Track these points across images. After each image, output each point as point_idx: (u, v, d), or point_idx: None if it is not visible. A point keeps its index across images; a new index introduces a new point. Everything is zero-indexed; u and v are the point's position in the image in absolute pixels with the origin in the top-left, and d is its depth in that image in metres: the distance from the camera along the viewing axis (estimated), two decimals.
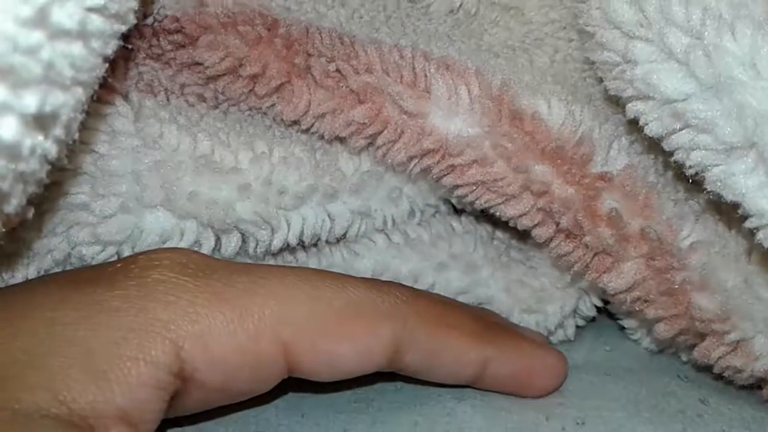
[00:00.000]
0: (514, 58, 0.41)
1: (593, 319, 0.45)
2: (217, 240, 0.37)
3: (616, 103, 0.38)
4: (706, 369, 0.39)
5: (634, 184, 0.36)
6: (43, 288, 0.31)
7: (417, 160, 0.38)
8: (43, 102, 0.24)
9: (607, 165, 0.37)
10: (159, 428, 0.29)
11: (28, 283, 0.34)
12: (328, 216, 0.39)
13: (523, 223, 0.38)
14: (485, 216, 0.43)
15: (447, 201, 0.43)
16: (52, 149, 0.26)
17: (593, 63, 0.38)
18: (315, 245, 0.41)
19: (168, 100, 0.38)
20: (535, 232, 0.38)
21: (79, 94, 0.27)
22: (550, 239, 0.38)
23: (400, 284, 0.37)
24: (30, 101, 0.24)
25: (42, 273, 0.35)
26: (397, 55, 0.37)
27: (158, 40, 0.38)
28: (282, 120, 0.38)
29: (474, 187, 0.38)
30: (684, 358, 0.41)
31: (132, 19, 0.31)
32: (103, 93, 0.34)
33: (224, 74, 0.38)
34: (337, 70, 0.37)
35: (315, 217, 0.39)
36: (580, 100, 0.38)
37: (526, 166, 0.36)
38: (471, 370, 0.36)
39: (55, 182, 0.33)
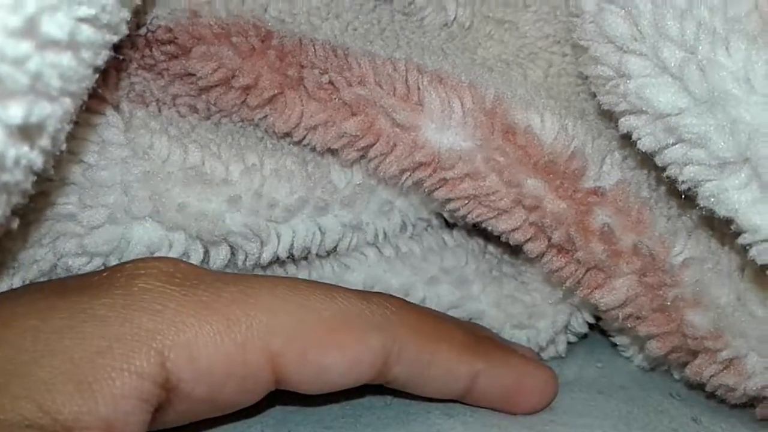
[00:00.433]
0: (508, 72, 0.41)
1: (585, 336, 0.45)
2: (206, 252, 0.37)
3: (609, 117, 0.39)
4: (698, 387, 0.39)
5: (627, 199, 0.37)
6: (28, 296, 0.31)
7: (409, 173, 0.38)
8: (29, 113, 0.24)
9: (600, 180, 0.37)
10: None
11: (13, 292, 0.35)
12: (319, 229, 0.39)
13: (515, 238, 0.38)
14: (477, 230, 0.43)
15: (439, 215, 0.43)
16: (37, 160, 0.26)
17: (587, 78, 0.38)
18: (305, 258, 0.41)
19: (159, 110, 0.38)
20: (527, 247, 0.38)
21: (68, 104, 0.27)
22: (542, 254, 0.38)
23: (391, 295, 0.37)
24: (15, 112, 0.24)
25: (27, 282, 0.36)
26: (390, 67, 0.38)
27: (151, 50, 0.38)
28: (274, 132, 0.39)
29: (466, 201, 0.38)
30: (676, 375, 0.41)
31: (124, 30, 0.31)
32: (94, 103, 0.35)
33: (216, 85, 0.38)
34: (330, 82, 0.38)
35: (305, 230, 0.39)
36: (574, 114, 0.39)
37: (519, 181, 0.36)
38: (460, 384, 0.36)
39: (42, 192, 0.34)
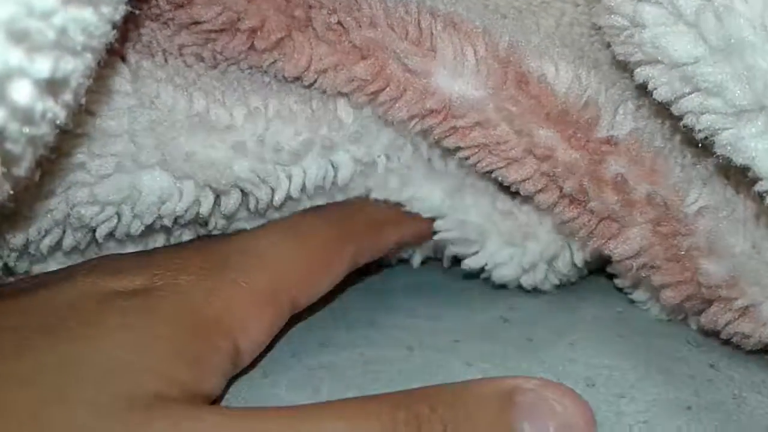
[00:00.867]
0: (521, 20, 0.41)
1: (573, 283, 0.46)
2: (217, 197, 0.38)
3: (623, 67, 0.39)
4: (714, 335, 0.39)
5: (641, 148, 0.37)
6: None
7: (418, 120, 0.38)
8: (56, 67, 0.25)
9: (613, 129, 0.37)
10: None
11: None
12: (332, 165, 0.40)
13: (526, 188, 0.38)
14: None
15: None
16: (61, 114, 0.27)
17: (600, 28, 0.38)
18: None
19: (166, 60, 0.39)
20: (538, 198, 0.39)
21: (89, 60, 0.27)
22: (554, 205, 0.38)
23: None
24: (43, 66, 0.24)
25: (42, 233, 0.37)
26: (402, 9, 0.38)
27: (157, 0, 0.38)
28: (283, 76, 0.39)
29: (476, 150, 0.38)
30: (693, 325, 0.42)
31: None
32: None
33: (222, 30, 0.38)
34: (339, 23, 0.37)
35: (317, 168, 0.40)
36: (587, 64, 0.39)
37: (530, 130, 0.37)
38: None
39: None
